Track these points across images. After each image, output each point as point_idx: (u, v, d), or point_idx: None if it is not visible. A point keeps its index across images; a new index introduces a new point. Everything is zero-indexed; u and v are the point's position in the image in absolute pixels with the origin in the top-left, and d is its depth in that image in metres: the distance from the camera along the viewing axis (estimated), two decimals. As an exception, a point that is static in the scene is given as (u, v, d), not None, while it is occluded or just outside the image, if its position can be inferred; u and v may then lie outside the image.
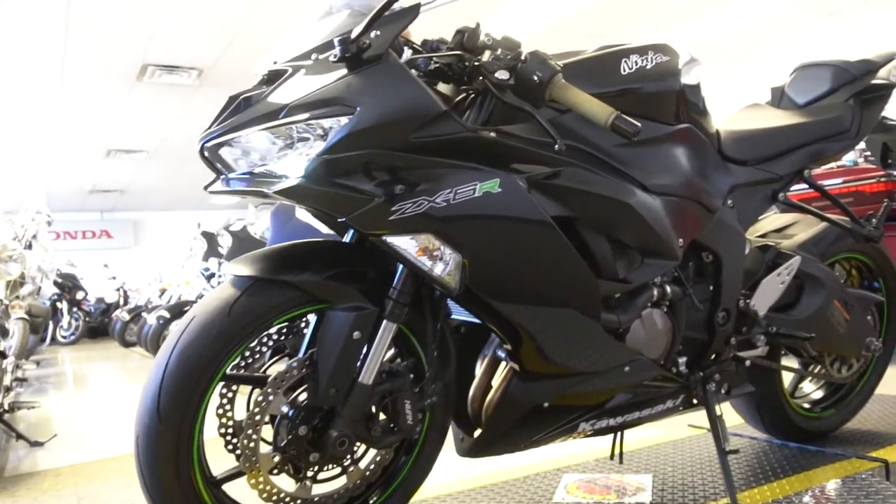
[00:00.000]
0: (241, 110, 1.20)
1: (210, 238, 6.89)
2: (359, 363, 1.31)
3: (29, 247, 4.87)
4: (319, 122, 1.16)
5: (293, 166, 1.17)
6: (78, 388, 5.88)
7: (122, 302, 12.47)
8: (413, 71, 1.32)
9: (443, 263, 1.22)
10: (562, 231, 1.31)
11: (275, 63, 1.25)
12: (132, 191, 13.22)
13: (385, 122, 1.14)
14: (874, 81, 1.90)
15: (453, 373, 1.45)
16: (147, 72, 6.63)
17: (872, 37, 6.83)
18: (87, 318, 12.28)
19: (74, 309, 11.99)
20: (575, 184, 1.32)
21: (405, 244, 1.20)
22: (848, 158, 4.08)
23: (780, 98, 2.01)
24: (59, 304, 11.75)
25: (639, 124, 1.20)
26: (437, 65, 1.32)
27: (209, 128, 1.23)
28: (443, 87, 1.40)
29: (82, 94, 7.27)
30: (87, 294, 12.41)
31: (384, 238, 1.18)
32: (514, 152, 1.27)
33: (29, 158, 10.01)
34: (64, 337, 11.68)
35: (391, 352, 1.47)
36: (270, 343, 1.35)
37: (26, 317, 5.49)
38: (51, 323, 9.91)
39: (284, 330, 1.36)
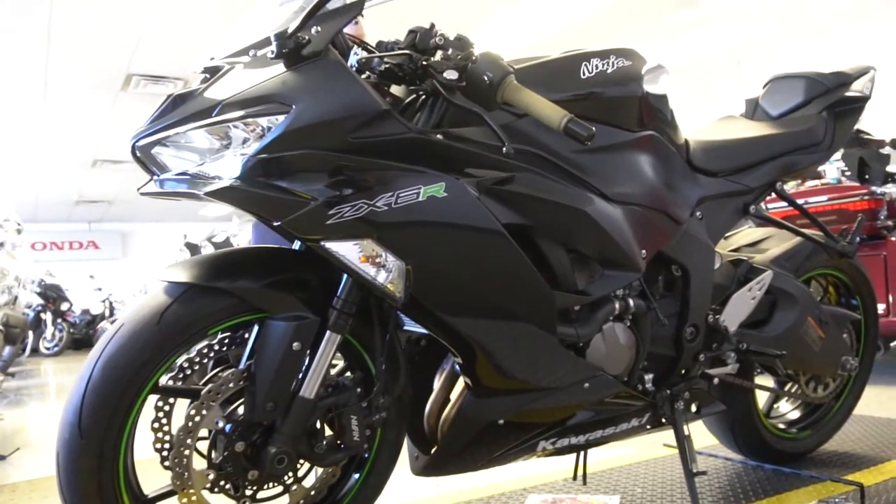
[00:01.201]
0: (175, 108, 1.14)
1: (194, 249, 6.82)
2: (300, 376, 1.25)
3: None
4: (256, 121, 1.10)
5: (227, 167, 1.11)
6: (53, 400, 5.77)
7: (107, 313, 12.33)
8: (364, 73, 1.27)
9: (385, 271, 1.15)
10: (515, 240, 1.26)
11: (212, 59, 1.19)
12: (119, 201, 13.13)
13: (322, 121, 1.09)
14: (848, 94, 1.86)
15: (404, 387, 1.38)
16: (132, 82, 6.59)
17: (860, 57, 6.87)
18: (72, 330, 12.12)
19: (58, 320, 11.83)
20: (529, 190, 1.26)
21: (345, 250, 1.13)
22: (831, 176, 4.05)
23: (753, 109, 1.96)
24: (42, 315, 11.60)
25: (593, 128, 1.15)
26: (387, 65, 1.26)
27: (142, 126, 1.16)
28: (396, 90, 1.35)
29: (67, 105, 7.21)
30: (71, 305, 12.25)
31: (322, 244, 1.12)
32: (463, 156, 1.21)
33: (14, 168, 9.92)
34: (47, 348, 11.52)
35: (340, 364, 1.42)
36: (212, 354, 1.29)
37: (0, 327, 5.38)
38: (31, 334, 9.75)
39: (227, 340, 1.30)
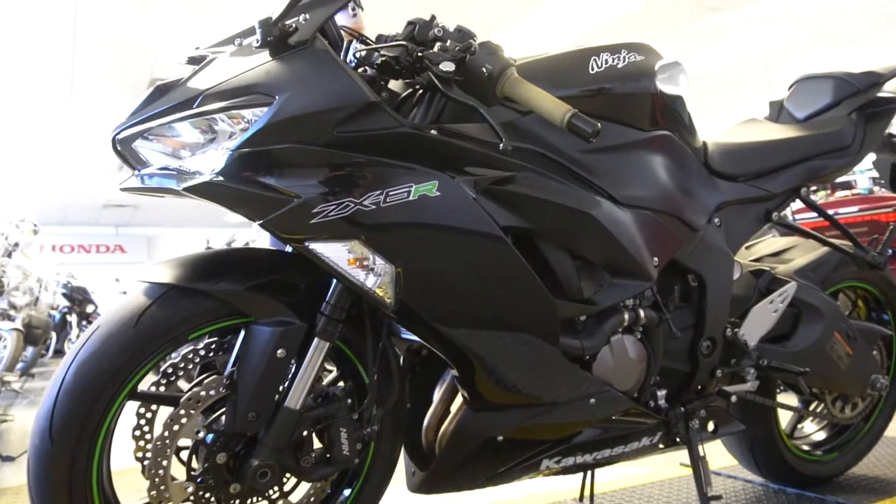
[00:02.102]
0: (157, 99, 1.09)
1: (213, 254, 6.81)
2: (286, 385, 1.18)
3: (9, 255, 4.81)
4: (241, 113, 1.04)
5: (209, 162, 1.05)
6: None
7: (131, 317, 12.38)
8: (362, 67, 1.21)
9: (374, 275, 1.08)
10: (516, 244, 1.18)
11: (197, 49, 1.13)
12: (145, 206, 13.27)
13: (306, 113, 1.02)
14: (880, 94, 1.75)
15: (399, 398, 1.30)
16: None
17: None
18: (97, 332, 12.22)
19: (84, 322, 11.96)
20: (530, 191, 1.18)
21: (331, 252, 1.06)
22: (862, 186, 3.91)
23: (778, 112, 1.86)
24: (68, 317, 11.73)
25: (598, 124, 1.07)
26: (384, 58, 1.20)
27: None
28: (395, 86, 1.28)
29: (92, 109, 7.29)
30: (97, 308, 12.38)
31: (307, 245, 1.05)
32: (459, 153, 1.14)
33: (42, 172, 10.07)
34: (71, 350, 11.64)
35: (333, 373, 1.35)
36: (198, 359, 1.23)
37: (21, 328, 5.42)
38: (55, 335, 9.86)
39: (214, 345, 1.23)
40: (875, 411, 2.00)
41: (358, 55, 1.25)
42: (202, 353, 1.22)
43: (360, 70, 1.24)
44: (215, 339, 1.24)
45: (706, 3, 5.79)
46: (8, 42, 5.55)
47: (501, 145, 1.07)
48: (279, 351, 1.14)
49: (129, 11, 5.08)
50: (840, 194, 3.90)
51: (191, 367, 1.23)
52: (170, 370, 1.20)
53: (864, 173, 3.76)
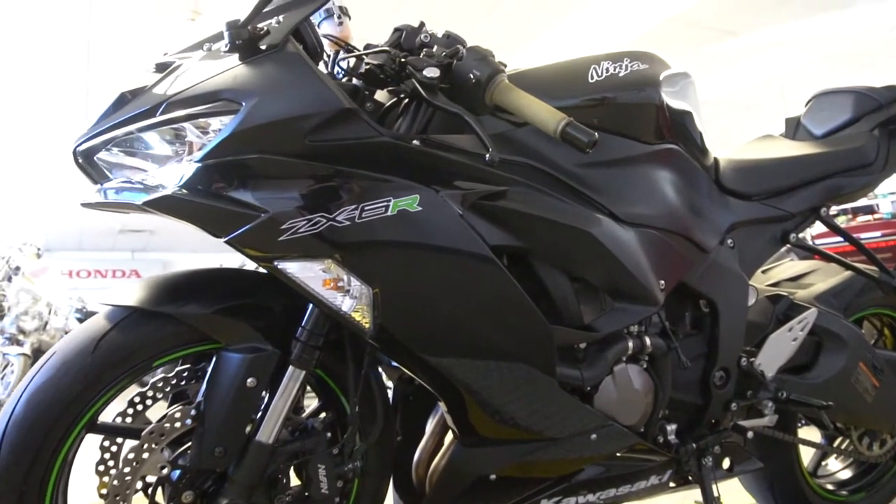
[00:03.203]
0: (119, 108, 1.02)
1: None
2: (258, 416, 1.09)
3: (9, 279, 4.79)
4: (208, 122, 0.97)
5: (173, 174, 0.97)
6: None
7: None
8: (350, 79, 1.13)
9: (350, 298, 0.99)
10: (509, 264, 1.09)
11: (165, 55, 1.07)
12: (161, 231, 13.34)
13: (275, 121, 0.94)
14: (904, 110, 1.65)
15: (384, 431, 1.21)
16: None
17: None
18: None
19: (97, 347, 11.94)
20: (524, 207, 1.09)
21: (303, 272, 0.98)
22: (885, 210, 3.78)
23: (795, 129, 1.76)
24: (81, 343, 11.73)
25: (595, 134, 0.98)
26: (368, 66, 1.13)
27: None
28: (383, 97, 1.21)
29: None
30: (110, 333, 12.38)
31: (276, 264, 0.97)
32: (444, 165, 1.05)
33: (59, 197, 10.15)
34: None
35: (314, 405, 1.25)
36: (168, 388, 1.14)
37: (28, 353, 5.38)
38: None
39: (186, 373, 1.15)
40: (905, 449, 1.86)
41: (344, 65, 1.18)
42: (174, 381, 1.14)
43: (346, 81, 1.17)
44: (188, 366, 1.15)
45: (720, 26, 5.74)
46: (22, 68, 5.60)
47: (487, 156, 0.98)
48: (249, 380, 1.05)
49: (144, 28, 5.10)
50: (862, 219, 3.77)
51: (161, 396, 1.15)
52: (137, 400, 1.12)
53: (886, 197, 3.63)
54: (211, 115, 0.96)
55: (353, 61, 1.20)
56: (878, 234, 3.67)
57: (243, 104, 0.94)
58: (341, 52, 1.23)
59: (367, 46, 1.21)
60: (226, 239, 0.96)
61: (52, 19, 4.96)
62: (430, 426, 1.31)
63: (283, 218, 0.94)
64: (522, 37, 5.48)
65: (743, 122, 7.49)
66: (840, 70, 6.43)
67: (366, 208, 0.97)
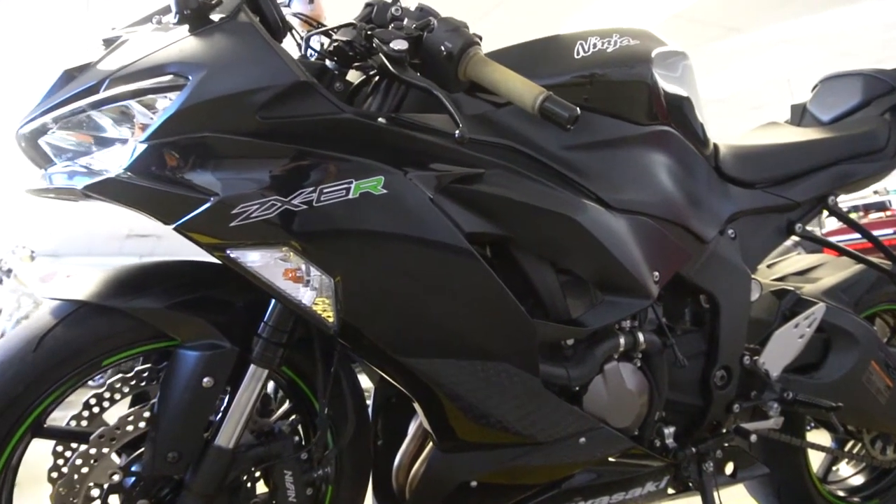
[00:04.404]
0: (64, 86, 0.94)
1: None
2: (218, 419, 1.01)
3: (0, 281, 4.74)
4: (154, 98, 0.89)
5: (117, 157, 0.90)
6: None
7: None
8: (323, 59, 1.06)
9: (310, 289, 0.91)
10: (485, 252, 1.01)
11: (112, 29, 0.99)
12: (168, 235, 13.15)
13: (224, 96, 0.87)
14: (917, 93, 1.56)
15: (353, 434, 1.12)
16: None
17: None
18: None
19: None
20: (503, 191, 1.01)
21: (258, 262, 0.90)
22: (898, 207, 3.66)
23: (801, 116, 1.67)
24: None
25: (577, 109, 0.90)
26: (336, 43, 1.05)
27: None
28: (355, 77, 1.13)
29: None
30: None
31: (227, 252, 0.89)
32: (414, 145, 0.97)
33: (67, 203, 10.14)
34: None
35: (286, 406, 1.18)
36: (127, 389, 1.06)
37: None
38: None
39: (146, 372, 1.07)
40: (921, 453, 1.76)
41: (318, 46, 1.10)
42: (133, 381, 1.06)
43: (318, 61, 1.09)
44: (149, 365, 1.08)
45: (726, 23, 5.64)
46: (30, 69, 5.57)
47: (457, 132, 0.90)
48: (205, 379, 0.98)
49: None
50: (874, 216, 3.66)
51: (119, 398, 1.07)
52: (93, 402, 1.04)
53: (899, 193, 3.52)
54: (156, 91, 0.88)
55: (325, 41, 1.13)
56: (890, 230, 3.56)
57: (190, 78, 0.87)
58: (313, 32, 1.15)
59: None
60: (174, 226, 0.88)
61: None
62: (411, 429, 1.23)
63: (234, 202, 0.87)
64: (523, 37, 5.40)
65: (752, 122, 7.38)
66: (848, 68, 6.33)
67: (325, 191, 0.88)
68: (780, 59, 6.20)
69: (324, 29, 1.05)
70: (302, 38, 1.18)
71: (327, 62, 1.08)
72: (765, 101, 7.01)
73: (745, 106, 7.03)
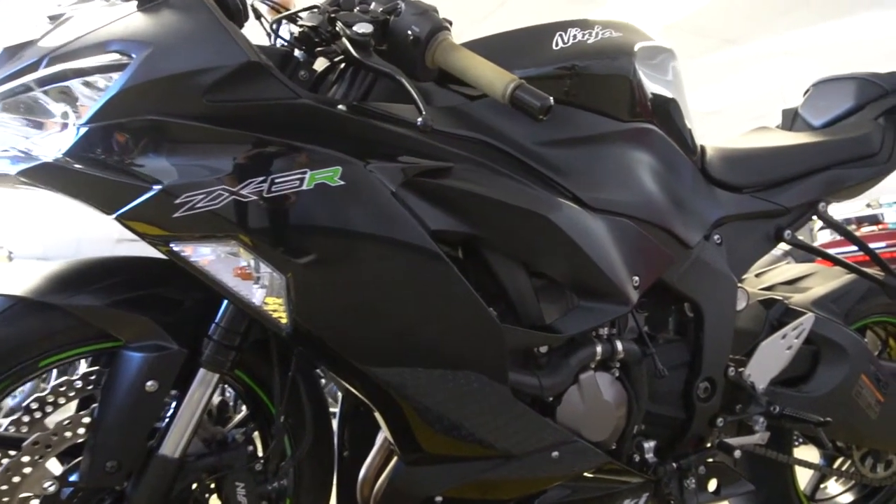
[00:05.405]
0: (3, 65, 0.88)
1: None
2: (164, 426, 0.95)
3: None
4: (97, 78, 0.83)
5: (57, 141, 0.83)
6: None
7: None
8: (293, 47, 1.00)
9: (261, 287, 0.85)
10: (456, 253, 0.95)
11: (59, 5, 0.93)
12: (159, 240, 13.21)
13: (168, 76, 0.81)
14: (912, 97, 1.51)
15: (312, 445, 1.06)
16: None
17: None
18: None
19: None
20: (472, 186, 0.95)
21: (204, 256, 0.84)
22: (891, 220, 3.62)
23: (792, 121, 1.62)
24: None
25: (549, 98, 0.84)
26: (302, 29, 0.99)
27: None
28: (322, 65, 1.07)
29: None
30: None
31: (171, 246, 0.83)
32: (376, 135, 0.91)
33: (56, 207, 10.06)
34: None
35: (243, 413, 1.11)
36: (72, 392, 1.00)
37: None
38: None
39: (94, 375, 1.00)
40: (913, 471, 1.70)
41: (288, 35, 1.05)
42: (79, 384, 0.99)
43: (283, 46, 1.04)
44: (97, 367, 1.01)
45: (723, 35, 5.62)
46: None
47: (419, 120, 0.84)
48: (149, 383, 0.91)
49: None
50: (867, 229, 3.62)
51: (63, 402, 1.00)
52: (35, 406, 0.97)
53: (892, 206, 3.48)
54: (99, 70, 0.82)
55: (294, 28, 1.07)
56: (883, 244, 3.53)
57: (134, 57, 0.81)
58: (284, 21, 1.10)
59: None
60: (114, 216, 0.82)
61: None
62: (379, 440, 1.16)
63: (178, 191, 0.80)
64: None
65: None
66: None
67: (277, 181, 0.82)
68: (777, 71, 6.18)
69: (287, 13, 0.99)
70: (274, 27, 1.12)
71: (296, 52, 1.03)
72: (763, 113, 7.00)
73: (745, 118, 7.01)
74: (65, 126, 0.84)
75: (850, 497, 1.74)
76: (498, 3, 4.85)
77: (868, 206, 5.67)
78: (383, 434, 1.15)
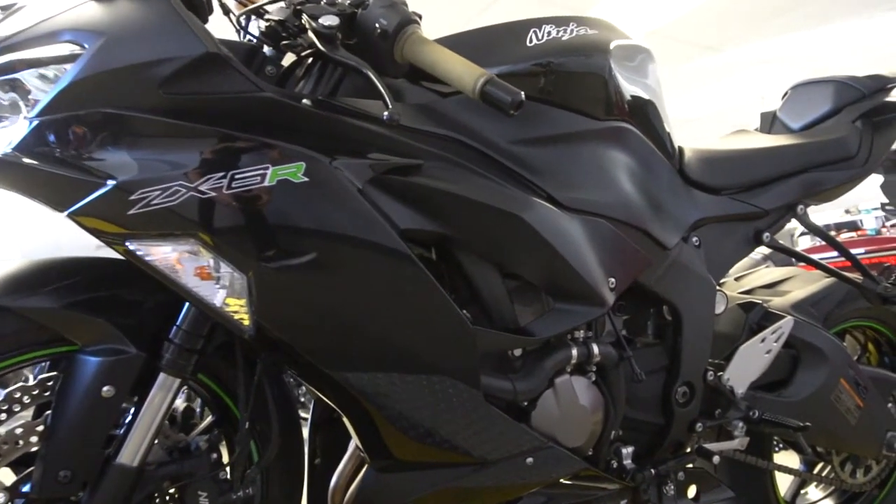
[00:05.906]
0: None
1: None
2: (122, 433, 0.91)
3: None
4: (47, 70, 0.80)
5: (4, 135, 0.80)
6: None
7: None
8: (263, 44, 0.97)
9: (221, 288, 0.82)
10: (429, 254, 0.92)
11: (11, -5, 0.89)
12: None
13: (122, 67, 0.77)
14: (888, 100, 1.51)
15: (278, 452, 1.02)
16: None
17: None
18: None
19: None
20: (443, 185, 0.92)
21: (162, 255, 0.80)
22: (869, 227, 3.65)
23: (770, 124, 1.62)
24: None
25: (521, 93, 0.82)
26: (268, 23, 0.96)
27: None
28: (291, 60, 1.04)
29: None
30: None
31: (127, 244, 0.79)
32: (343, 131, 0.88)
33: (35, 213, 9.90)
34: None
35: (208, 420, 1.07)
36: (28, 399, 0.95)
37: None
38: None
39: (51, 381, 0.96)
40: (892, 477, 1.69)
41: (255, 30, 1.02)
42: (35, 391, 0.95)
43: (252, 40, 1.01)
44: (55, 373, 0.97)
45: (702, 42, 5.65)
46: None
47: (386, 114, 0.81)
48: (105, 388, 0.87)
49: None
50: (846, 236, 3.64)
51: (18, 409, 0.96)
52: (-8, 413, 0.93)
53: (870, 212, 3.50)
54: (50, 61, 0.78)
55: (262, 23, 1.04)
56: (861, 250, 3.54)
57: (87, 47, 0.77)
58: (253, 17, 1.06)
59: None
60: (66, 213, 0.78)
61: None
62: (351, 447, 1.13)
63: (133, 187, 0.77)
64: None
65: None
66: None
67: (237, 177, 0.79)
68: (757, 79, 6.23)
69: (254, 6, 0.96)
70: (243, 22, 1.09)
71: (265, 48, 1.00)
72: (742, 121, 7.05)
73: (723, 125, 7.06)
74: (15, 119, 0.81)
75: (830, 502, 1.73)
76: (486, 4, 4.83)
77: (847, 212, 5.73)
78: (355, 441, 1.13)
